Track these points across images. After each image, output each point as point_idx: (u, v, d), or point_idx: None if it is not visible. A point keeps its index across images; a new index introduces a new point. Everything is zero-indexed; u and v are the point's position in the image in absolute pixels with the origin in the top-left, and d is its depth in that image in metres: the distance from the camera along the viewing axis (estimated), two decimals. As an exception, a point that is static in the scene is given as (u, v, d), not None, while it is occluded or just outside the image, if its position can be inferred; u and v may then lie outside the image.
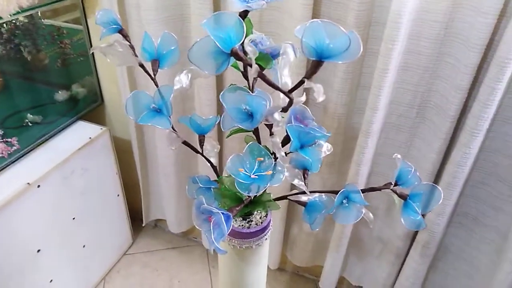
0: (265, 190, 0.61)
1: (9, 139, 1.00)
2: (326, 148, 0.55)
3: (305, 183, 0.60)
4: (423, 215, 0.52)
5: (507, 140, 0.79)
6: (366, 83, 0.86)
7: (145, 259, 1.36)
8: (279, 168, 0.49)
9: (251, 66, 0.39)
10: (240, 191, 0.47)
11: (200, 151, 0.59)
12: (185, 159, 1.16)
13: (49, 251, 1.03)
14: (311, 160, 0.49)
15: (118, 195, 1.26)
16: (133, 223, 1.39)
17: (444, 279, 1.03)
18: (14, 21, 0.95)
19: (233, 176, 0.47)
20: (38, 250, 1.00)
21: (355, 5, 0.75)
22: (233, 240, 0.64)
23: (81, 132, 1.12)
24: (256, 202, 0.60)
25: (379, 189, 0.57)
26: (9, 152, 0.97)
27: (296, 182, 0.53)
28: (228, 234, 0.65)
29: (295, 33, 0.40)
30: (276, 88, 0.41)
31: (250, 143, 0.50)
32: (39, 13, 1.00)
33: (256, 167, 0.50)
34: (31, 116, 1.03)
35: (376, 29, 0.79)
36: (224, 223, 0.49)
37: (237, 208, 0.55)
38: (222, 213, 0.52)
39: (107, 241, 1.28)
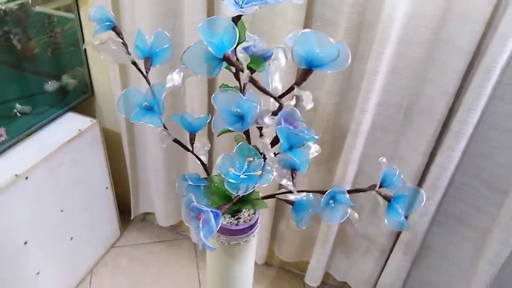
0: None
1: (-3, 130, 0.99)
2: (314, 149, 0.56)
3: (293, 183, 0.62)
4: (406, 216, 0.54)
5: (490, 144, 0.81)
6: (356, 84, 0.87)
7: (133, 252, 1.37)
8: (268, 168, 0.50)
9: (242, 71, 0.40)
10: (230, 190, 0.48)
11: (191, 149, 0.60)
12: (176, 154, 1.17)
13: (36, 243, 1.03)
14: (299, 161, 0.50)
15: (106, 188, 1.26)
16: (121, 216, 1.39)
17: (426, 276, 1.06)
18: (4, 8, 0.93)
19: (222, 176, 0.48)
20: (25, 242, 1.00)
21: (347, 7, 0.76)
22: (222, 237, 0.65)
23: (71, 123, 1.12)
24: (244, 200, 0.61)
25: (364, 190, 0.58)
26: (-3, 142, 0.96)
27: (284, 182, 0.54)
28: (217, 231, 0.66)
29: (286, 42, 0.41)
30: (267, 93, 0.42)
31: (240, 143, 0.51)
32: (29, 0, 0.99)
33: (245, 167, 0.51)
34: (20, 106, 1.02)
35: (367, 32, 0.81)
36: (213, 221, 0.50)
37: (226, 206, 0.56)
38: (212, 211, 0.53)
39: (95, 233, 1.28)
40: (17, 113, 1.02)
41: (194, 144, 0.61)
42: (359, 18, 0.78)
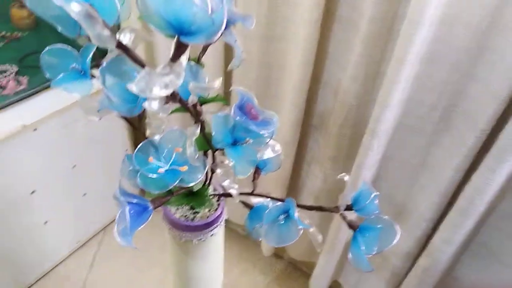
0: (205, 184, 0.53)
1: (21, 77, 1.00)
2: (274, 148, 0.45)
3: (254, 184, 0.51)
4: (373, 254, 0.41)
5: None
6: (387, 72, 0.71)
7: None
8: (197, 165, 0.40)
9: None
10: (141, 185, 0.40)
11: (138, 126, 0.51)
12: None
13: (44, 194, 1.04)
14: (236, 161, 0.39)
15: (126, 150, 1.25)
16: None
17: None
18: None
19: (136, 165, 0.39)
20: (33, 192, 1.02)
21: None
22: (173, 230, 0.57)
23: (95, 81, 1.10)
24: (195, 195, 0.52)
25: (327, 209, 0.45)
26: (16, 90, 0.97)
27: (226, 183, 0.44)
28: (169, 223, 0.58)
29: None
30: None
31: (169, 129, 0.41)
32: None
33: (173, 159, 0.41)
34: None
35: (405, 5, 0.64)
36: (128, 217, 0.42)
37: (163, 200, 0.48)
38: (138, 204, 0.45)
39: (111, 193, 1.29)
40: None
41: (148, 121, 0.52)
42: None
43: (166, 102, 0.31)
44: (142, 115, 0.51)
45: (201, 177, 0.41)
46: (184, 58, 0.27)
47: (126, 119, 0.51)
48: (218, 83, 0.34)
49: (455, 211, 0.71)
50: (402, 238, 0.86)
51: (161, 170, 0.39)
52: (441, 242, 0.74)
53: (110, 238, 1.28)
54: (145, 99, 0.30)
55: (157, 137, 0.42)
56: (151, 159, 0.40)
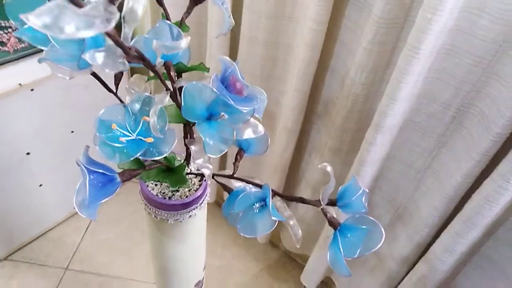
0: (185, 161, 0.49)
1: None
2: (256, 128, 0.40)
3: (234, 166, 0.47)
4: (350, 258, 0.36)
5: None
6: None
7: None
8: (162, 137, 0.36)
9: None
10: (101, 153, 0.36)
11: (114, 90, 0.47)
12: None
13: (40, 156, 1.03)
14: (208, 138, 0.35)
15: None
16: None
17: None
18: None
19: (96, 132, 0.35)
20: (28, 153, 1.00)
21: None
22: (148, 206, 0.54)
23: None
24: (172, 172, 0.48)
25: (308, 202, 0.41)
26: (16, 48, 0.95)
27: (200, 162, 0.40)
28: (144, 198, 0.55)
29: None
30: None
31: (137, 94, 0.37)
32: None
33: (140, 128, 0.37)
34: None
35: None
36: (87, 189, 0.39)
37: (133, 173, 0.44)
38: (104, 175, 0.41)
39: (109, 162, 1.27)
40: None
41: (127, 87, 0.48)
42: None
43: (124, 58, 0.27)
44: (119, 77, 0.47)
45: (168, 151, 0.37)
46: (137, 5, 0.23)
47: (100, 80, 0.47)
48: (185, 42, 0.30)
49: (459, 219, 0.65)
50: (401, 241, 0.81)
51: (122, 139, 0.35)
52: (442, 251, 0.69)
53: (107, 207, 1.27)
54: (86, 50, 0.26)
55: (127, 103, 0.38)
56: (114, 126, 0.36)
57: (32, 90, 0.92)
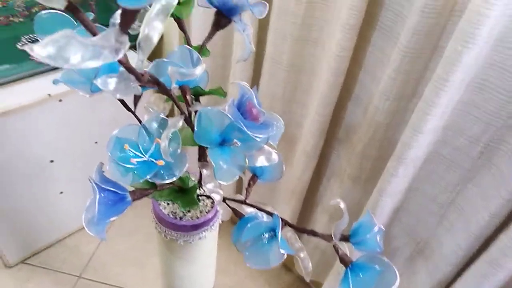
0: (197, 183, 0.48)
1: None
2: (270, 156, 0.39)
3: (247, 191, 0.46)
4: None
5: None
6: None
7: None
8: (172, 161, 0.35)
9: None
10: (112, 175, 0.36)
11: (133, 110, 0.47)
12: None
13: (63, 165, 1.05)
14: (217, 165, 0.34)
15: (151, 135, 1.24)
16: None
17: None
18: None
19: (108, 153, 0.35)
20: (51, 161, 1.03)
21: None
22: (159, 225, 0.53)
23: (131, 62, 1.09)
24: (184, 193, 0.48)
25: (320, 236, 0.39)
26: (49, 60, 0.99)
27: (210, 186, 0.39)
28: (155, 217, 0.54)
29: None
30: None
31: (153, 115, 0.37)
32: None
33: (152, 150, 0.37)
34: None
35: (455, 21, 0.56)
36: (96, 208, 0.38)
37: (144, 193, 0.44)
38: (115, 193, 0.41)
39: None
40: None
41: (146, 106, 0.48)
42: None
43: (140, 83, 0.27)
44: (138, 96, 0.47)
45: (178, 175, 0.36)
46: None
47: (121, 101, 0.47)
48: (200, 69, 0.29)
49: (484, 260, 0.61)
50: (421, 276, 0.77)
51: (134, 160, 0.35)
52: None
53: (124, 218, 1.28)
54: (98, 75, 0.26)
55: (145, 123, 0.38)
56: (127, 146, 0.36)
57: (60, 100, 0.95)
